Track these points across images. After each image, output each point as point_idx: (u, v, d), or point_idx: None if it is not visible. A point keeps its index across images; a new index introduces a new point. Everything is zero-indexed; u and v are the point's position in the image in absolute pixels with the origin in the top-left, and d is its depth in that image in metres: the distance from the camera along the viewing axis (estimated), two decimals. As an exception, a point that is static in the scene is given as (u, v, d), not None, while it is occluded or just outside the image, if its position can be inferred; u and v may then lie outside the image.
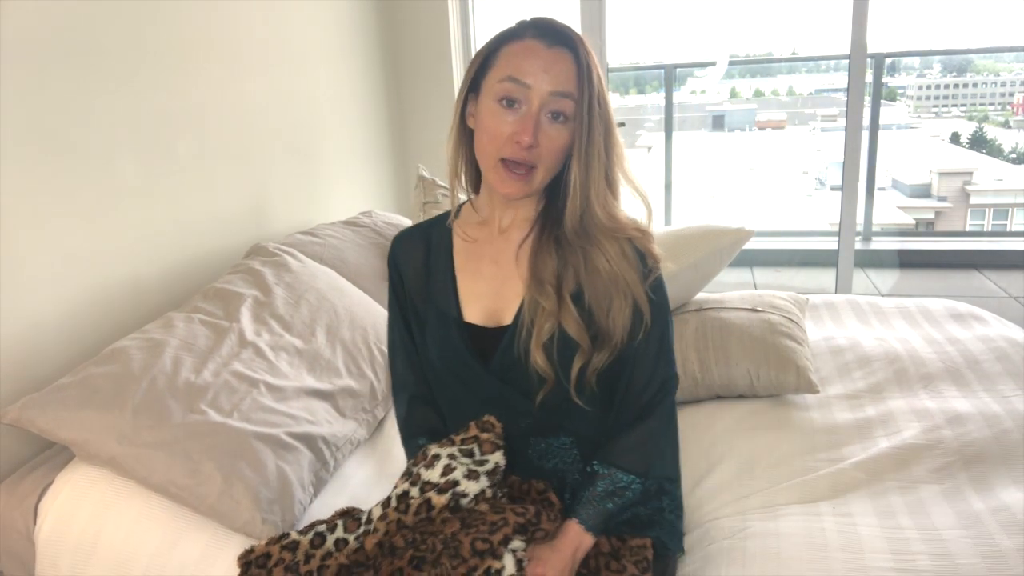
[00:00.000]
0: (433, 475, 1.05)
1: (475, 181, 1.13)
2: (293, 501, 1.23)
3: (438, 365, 1.14)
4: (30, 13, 1.42)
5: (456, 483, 1.03)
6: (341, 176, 2.68)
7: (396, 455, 1.50)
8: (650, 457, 1.09)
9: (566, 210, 1.03)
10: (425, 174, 2.25)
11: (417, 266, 1.16)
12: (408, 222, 2.30)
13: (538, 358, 1.03)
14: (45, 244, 1.48)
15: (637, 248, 1.06)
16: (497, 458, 1.06)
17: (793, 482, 1.31)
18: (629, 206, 1.08)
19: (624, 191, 1.06)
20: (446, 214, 1.17)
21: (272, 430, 1.30)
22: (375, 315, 1.75)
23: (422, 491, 1.04)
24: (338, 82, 2.65)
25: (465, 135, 1.08)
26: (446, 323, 1.11)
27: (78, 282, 1.55)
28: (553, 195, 1.07)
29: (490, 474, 1.05)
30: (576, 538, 1.05)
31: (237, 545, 1.19)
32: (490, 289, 1.10)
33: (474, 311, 1.11)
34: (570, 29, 1.01)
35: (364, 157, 2.87)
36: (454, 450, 1.07)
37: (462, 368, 1.11)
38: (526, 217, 1.10)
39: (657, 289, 1.08)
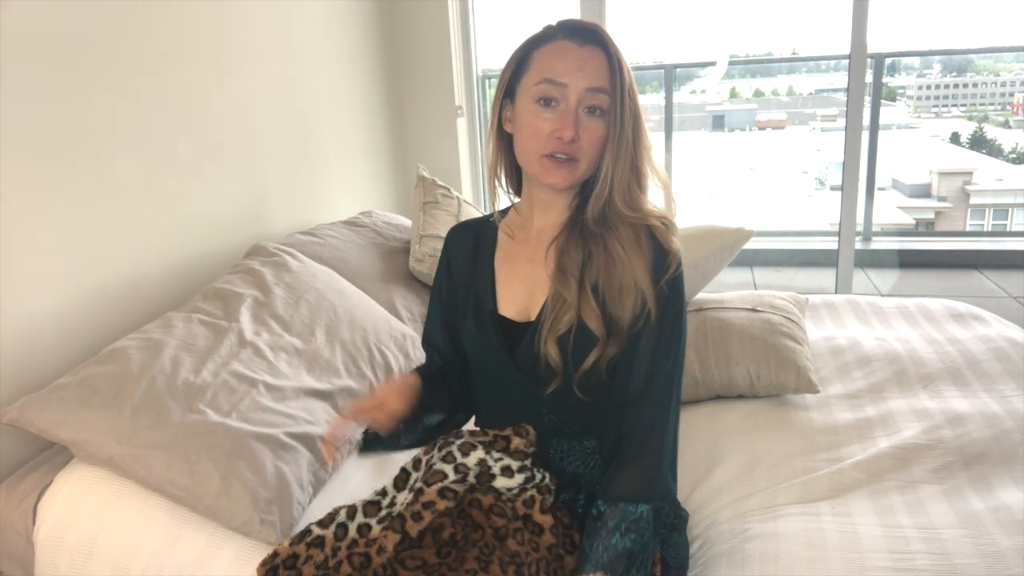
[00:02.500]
0: (470, 461, 1.08)
1: (515, 184, 1.17)
2: (291, 501, 1.22)
3: (474, 354, 1.17)
4: (30, 13, 1.42)
5: (493, 476, 1.06)
6: (341, 176, 2.68)
7: (395, 455, 1.49)
8: (652, 479, 1.04)
9: (591, 198, 1.06)
10: (425, 174, 2.25)
11: (466, 257, 1.20)
12: (407, 222, 2.30)
13: (550, 350, 1.04)
14: (45, 244, 1.47)
15: (656, 239, 1.06)
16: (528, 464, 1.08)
17: (793, 482, 1.31)
18: (658, 199, 1.11)
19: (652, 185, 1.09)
20: (493, 213, 1.22)
21: (271, 430, 1.29)
22: (375, 315, 1.75)
23: (456, 472, 1.07)
24: (338, 82, 2.65)
25: (503, 140, 1.12)
26: (482, 314, 1.15)
27: (78, 282, 1.55)
28: (585, 195, 1.09)
29: (525, 475, 1.07)
30: None
31: (236, 545, 1.19)
32: (523, 287, 1.14)
33: (508, 306, 1.14)
34: (598, 27, 1.05)
35: (364, 157, 2.87)
36: (486, 445, 1.09)
37: (492, 360, 1.13)
38: (559, 220, 1.13)
39: (672, 285, 1.06)
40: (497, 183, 1.16)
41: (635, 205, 1.06)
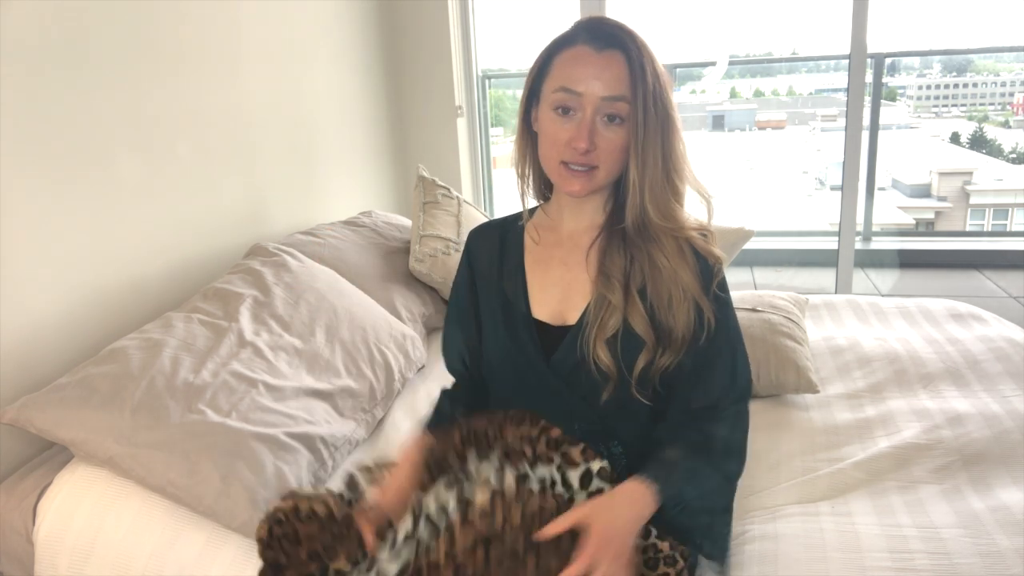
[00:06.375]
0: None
1: (539, 185, 1.15)
2: (292, 501, 1.22)
3: (500, 359, 1.14)
4: (30, 13, 1.42)
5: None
6: (341, 176, 2.68)
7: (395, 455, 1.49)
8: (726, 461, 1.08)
9: (626, 208, 1.04)
10: (425, 174, 2.25)
11: (491, 258, 1.18)
12: (407, 222, 2.30)
13: (601, 353, 1.03)
14: (45, 244, 1.47)
15: (696, 248, 1.06)
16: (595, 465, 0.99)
17: (793, 482, 1.31)
18: (695, 207, 1.09)
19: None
20: (519, 214, 1.19)
21: (270, 430, 1.29)
22: (375, 315, 1.75)
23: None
24: (338, 82, 2.65)
25: (530, 140, 1.10)
26: (513, 317, 1.12)
27: (78, 282, 1.55)
28: (620, 198, 1.08)
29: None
30: (641, 498, 0.97)
31: (235, 545, 1.19)
32: (558, 291, 1.11)
33: (541, 309, 1.12)
34: (622, 28, 1.01)
35: (364, 157, 2.87)
36: (552, 469, 0.97)
37: (524, 364, 1.11)
38: (594, 222, 1.12)
39: (722, 288, 1.08)
40: (524, 184, 1.13)
41: (671, 216, 1.04)
